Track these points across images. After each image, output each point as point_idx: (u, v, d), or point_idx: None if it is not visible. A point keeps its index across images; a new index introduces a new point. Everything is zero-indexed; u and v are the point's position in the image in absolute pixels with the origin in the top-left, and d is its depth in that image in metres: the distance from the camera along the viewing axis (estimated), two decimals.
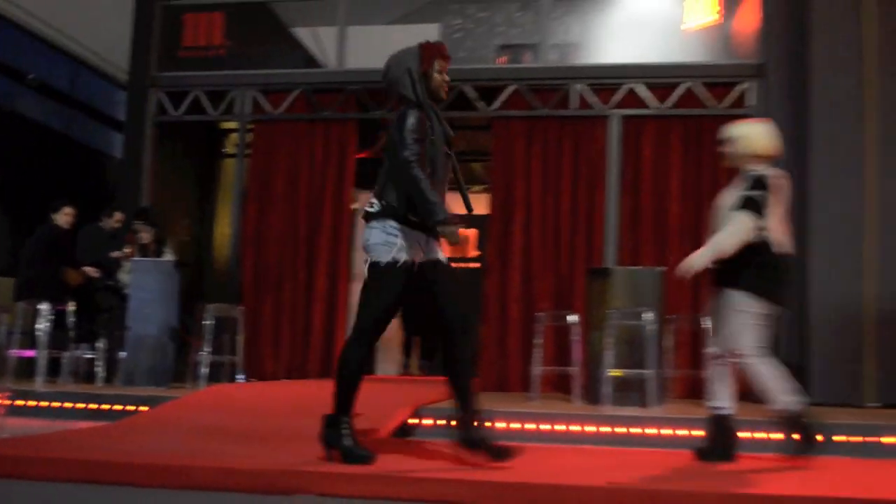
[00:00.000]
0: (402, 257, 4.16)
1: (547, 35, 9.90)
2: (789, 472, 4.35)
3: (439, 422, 6.04)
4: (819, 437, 4.64)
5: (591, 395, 7.31)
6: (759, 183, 4.71)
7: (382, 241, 4.16)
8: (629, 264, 8.68)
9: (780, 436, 4.79)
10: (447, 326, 4.23)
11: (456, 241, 4.11)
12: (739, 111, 8.95)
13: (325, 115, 9.77)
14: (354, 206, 10.59)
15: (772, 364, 4.67)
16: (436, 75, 4.42)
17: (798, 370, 8.30)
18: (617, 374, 7.06)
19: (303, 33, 10.41)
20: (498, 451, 4.15)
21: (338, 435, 4.22)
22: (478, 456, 4.15)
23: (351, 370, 4.26)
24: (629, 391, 7.04)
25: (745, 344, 4.61)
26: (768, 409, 4.69)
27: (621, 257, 8.95)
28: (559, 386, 8.48)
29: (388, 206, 4.20)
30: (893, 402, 8.07)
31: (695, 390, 8.07)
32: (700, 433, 5.74)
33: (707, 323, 7.27)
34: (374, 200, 4.25)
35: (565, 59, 10.56)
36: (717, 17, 10.09)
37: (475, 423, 4.22)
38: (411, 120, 4.22)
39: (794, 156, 8.79)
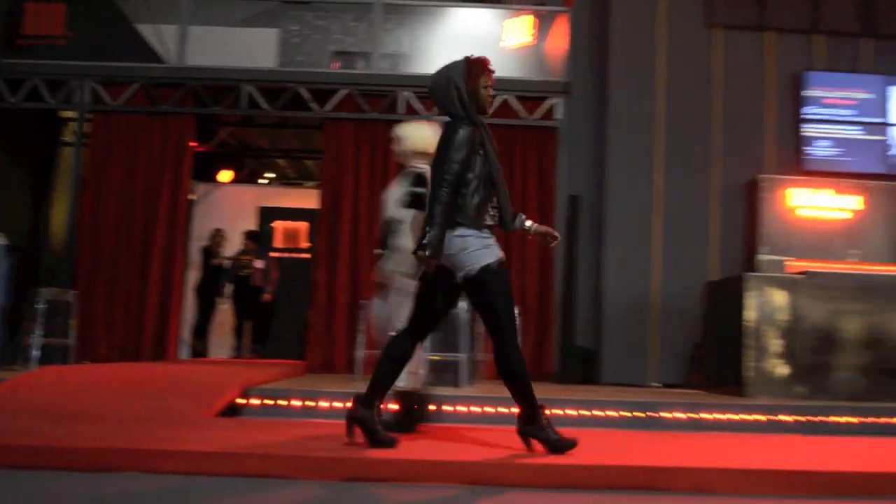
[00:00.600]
0: (502, 255, 3.95)
1: (378, 45, 9.85)
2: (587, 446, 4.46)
3: (266, 402, 5.91)
4: (432, 408, 4.69)
5: (409, 376, 7.31)
6: (421, 180, 4.73)
7: (482, 246, 3.89)
8: None
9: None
10: (431, 321, 4.13)
11: (429, 267, 3.87)
12: (548, 123, 9.22)
13: (163, 109, 9.38)
14: (192, 196, 10.23)
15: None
16: (482, 90, 4.09)
17: (594, 354, 8.65)
18: (433, 357, 7.10)
19: (146, 29, 9.97)
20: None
21: (538, 428, 3.97)
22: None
23: (523, 366, 4.05)
24: (444, 373, 7.09)
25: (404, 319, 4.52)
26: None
27: None
28: None
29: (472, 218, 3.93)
30: (671, 383, 8.50)
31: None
32: (505, 410, 5.86)
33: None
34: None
35: (395, 67, 10.55)
36: (531, 38, 10.32)
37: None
38: (461, 134, 3.91)
39: (594, 165, 9.13)
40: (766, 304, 6.98)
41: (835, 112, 9.10)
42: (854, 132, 9.12)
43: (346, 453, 3.74)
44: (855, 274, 7.44)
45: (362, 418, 4.00)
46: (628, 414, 6.00)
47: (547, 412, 4.03)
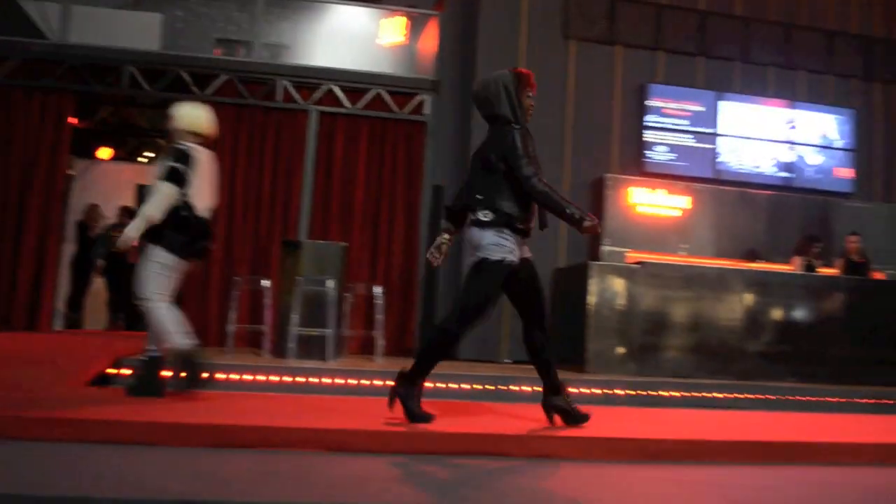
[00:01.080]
0: (511, 259, 4.07)
1: (260, 34, 9.63)
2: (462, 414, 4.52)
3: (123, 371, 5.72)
4: (205, 375, 4.75)
5: (279, 350, 7.24)
6: (182, 155, 4.75)
7: (495, 242, 4.04)
8: (319, 239, 8.68)
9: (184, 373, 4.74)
10: (531, 316, 4.23)
11: (596, 233, 4.12)
12: (418, 118, 9.24)
13: (43, 84, 8.87)
14: (70, 172, 9.75)
15: (170, 309, 4.75)
16: (526, 100, 4.17)
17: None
18: (302, 332, 7.05)
19: (29, 5, 9.39)
20: (575, 416, 4.17)
21: (410, 395, 4.06)
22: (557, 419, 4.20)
23: (444, 343, 4.06)
24: (311, 347, 7.04)
25: (150, 290, 4.66)
26: (165, 348, 4.74)
27: (312, 232, 8.93)
28: (252, 342, 8.33)
29: (503, 215, 4.04)
30: (521, 360, 8.70)
31: (366, 347, 8.24)
32: (367, 382, 5.88)
33: (379, 291, 7.47)
34: (487, 210, 4.04)
35: (275, 57, 10.35)
36: (403, 38, 10.32)
37: (560, 394, 4.26)
38: (518, 139, 3.99)
39: (458, 158, 9.22)
40: (607, 290, 7.26)
41: (672, 121, 9.52)
42: (687, 140, 9.56)
43: (207, 418, 3.67)
44: (683, 265, 7.82)
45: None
46: (480, 387, 6.14)
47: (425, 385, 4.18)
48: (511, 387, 6.16)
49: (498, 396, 6.05)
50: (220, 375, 5.83)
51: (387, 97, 9.23)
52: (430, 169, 9.24)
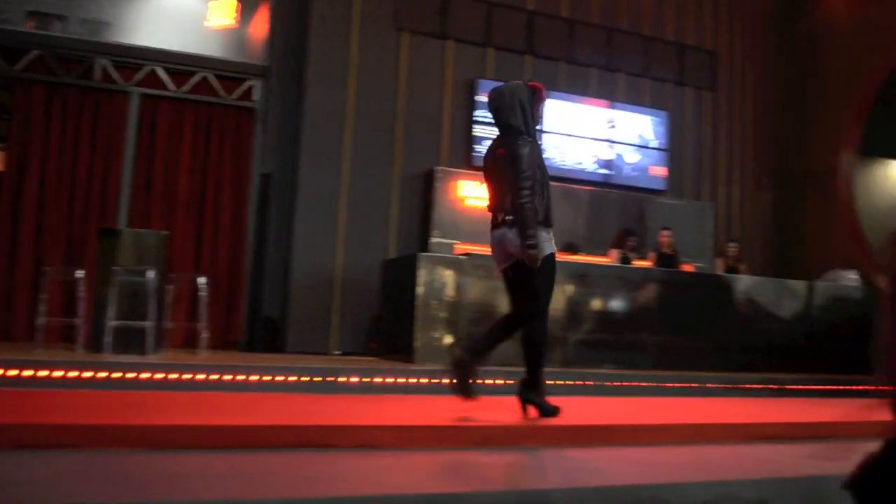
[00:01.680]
0: (554, 249, 4.37)
1: (78, 9, 9.03)
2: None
3: None
4: None
5: (94, 344, 6.84)
6: None
7: (546, 240, 4.29)
8: (139, 227, 8.27)
9: None
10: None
11: (534, 265, 4.23)
12: (247, 103, 9.00)
13: None
14: None
15: None
16: (537, 113, 4.43)
17: (280, 324, 8.60)
18: (119, 325, 6.69)
19: None
20: (549, 410, 4.37)
21: (536, 394, 4.38)
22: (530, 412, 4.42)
23: (544, 342, 4.41)
24: (130, 341, 6.70)
25: None
26: None
27: (132, 220, 8.50)
28: (64, 336, 7.81)
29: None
30: (351, 351, 8.68)
31: (190, 340, 7.95)
32: (188, 376, 5.67)
33: (203, 282, 7.22)
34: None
35: (94, 34, 9.74)
36: (233, 21, 10.00)
37: (535, 388, 4.43)
38: (526, 150, 4.21)
39: (288, 147, 9.06)
40: (435, 281, 7.34)
41: None
42: None
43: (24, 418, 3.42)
44: None
45: (532, 398, 4.41)
46: (307, 379, 6.05)
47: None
48: (340, 378, 6.11)
49: (326, 388, 5.98)
50: (27, 372, 5.45)
51: (214, 81, 8.92)
52: (259, 157, 9.01)
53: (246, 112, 9.03)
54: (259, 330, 8.54)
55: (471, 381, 4.34)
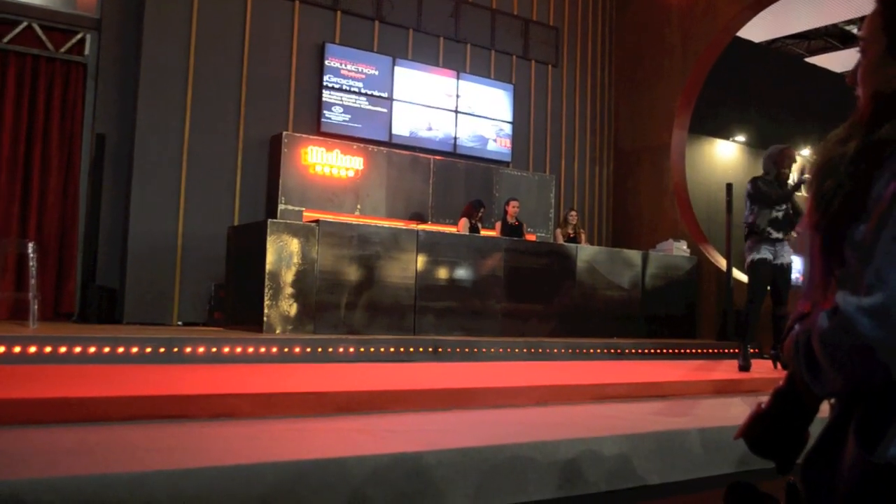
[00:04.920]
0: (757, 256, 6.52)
1: None
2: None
3: None
4: None
5: None
6: None
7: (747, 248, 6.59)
8: None
9: None
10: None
11: None
12: (77, 58, 8.39)
13: None
14: None
15: None
16: (782, 172, 6.65)
17: (117, 293, 8.13)
18: None
19: None
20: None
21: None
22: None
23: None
24: None
25: None
26: None
27: None
28: None
29: (749, 227, 6.58)
30: (194, 321, 8.34)
31: (17, 311, 7.38)
32: (19, 349, 5.26)
33: (30, 248, 6.69)
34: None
35: None
36: None
37: None
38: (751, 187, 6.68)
39: (124, 106, 8.53)
40: (284, 248, 7.14)
41: (349, 83, 9.59)
42: (363, 103, 9.71)
43: None
44: (358, 225, 7.93)
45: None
46: (150, 350, 5.74)
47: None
48: (186, 349, 5.84)
49: (170, 359, 5.70)
50: None
51: (41, 33, 8.24)
52: (92, 115, 8.43)
53: (76, 67, 8.41)
54: (93, 300, 8.02)
55: None
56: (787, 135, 16.06)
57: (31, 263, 6.79)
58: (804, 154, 17.35)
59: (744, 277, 10.31)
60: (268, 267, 7.02)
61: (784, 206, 6.58)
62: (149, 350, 5.69)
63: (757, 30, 14.36)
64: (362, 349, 6.58)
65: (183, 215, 8.48)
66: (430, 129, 10.28)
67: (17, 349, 5.29)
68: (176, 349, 5.82)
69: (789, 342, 1.23)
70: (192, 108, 8.61)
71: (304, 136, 9.13)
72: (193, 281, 8.44)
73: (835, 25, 15.35)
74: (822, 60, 16.84)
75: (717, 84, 12.75)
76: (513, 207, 9.49)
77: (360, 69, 9.70)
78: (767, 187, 6.56)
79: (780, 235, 6.56)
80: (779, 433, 1.38)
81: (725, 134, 17.39)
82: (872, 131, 1.15)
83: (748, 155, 17.76)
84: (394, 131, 9.92)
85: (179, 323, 8.32)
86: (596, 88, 12.12)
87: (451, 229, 9.26)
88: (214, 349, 5.90)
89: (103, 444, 2.79)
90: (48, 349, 5.25)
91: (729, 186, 9.02)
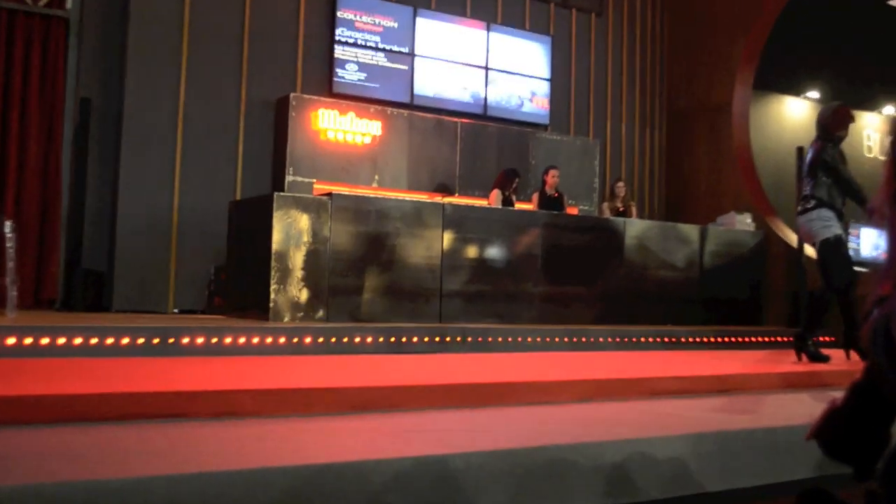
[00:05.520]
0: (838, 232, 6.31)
1: None
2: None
3: None
4: None
5: None
6: None
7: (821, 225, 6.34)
8: None
9: None
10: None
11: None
12: (57, 12, 8.45)
13: None
14: None
15: None
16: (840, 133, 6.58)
17: (105, 278, 8.22)
18: None
19: None
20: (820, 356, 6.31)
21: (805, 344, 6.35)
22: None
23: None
24: None
25: None
26: None
27: None
28: None
29: (820, 200, 6.36)
30: (192, 309, 8.42)
31: None
32: None
33: (8, 227, 6.77)
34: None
35: None
36: None
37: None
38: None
39: (111, 67, 8.58)
40: (293, 226, 7.17)
41: (364, 37, 9.58)
42: (380, 59, 9.69)
43: None
44: (376, 198, 7.94)
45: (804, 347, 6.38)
46: (143, 341, 5.80)
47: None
48: (183, 339, 5.89)
49: (165, 351, 5.76)
50: None
51: None
52: (75, 77, 8.49)
53: (56, 22, 8.46)
54: (79, 285, 8.11)
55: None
56: (868, 91, 15.82)
57: (8, 245, 6.86)
58: (888, 113, 17.10)
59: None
60: (274, 247, 7.05)
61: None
62: (141, 341, 5.75)
63: None
64: (381, 339, 6.61)
65: (178, 189, 8.54)
66: (456, 88, 10.24)
67: None
68: (172, 340, 5.87)
69: (867, 329, 1.22)
70: (187, 67, 8.64)
71: (314, 97, 9.14)
72: (191, 263, 8.51)
73: None
74: None
75: (786, 33, 12.56)
76: (552, 177, 9.44)
77: (377, 21, 9.68)
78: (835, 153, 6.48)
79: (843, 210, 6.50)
80: (856, 434, 1.36)
81: (796, 90, 17.14)
82: None
83: None
84: (416, 91, 9.91)
85: (175, 310, 8.40)
86: (646, 41, 11.99)
87: (482, 202, 9.25)
88: (215, 340, 5.95)
89: (92, 447, 2.83)
90: (28, 340, 5.32)
91: (800, 150, 8.92)
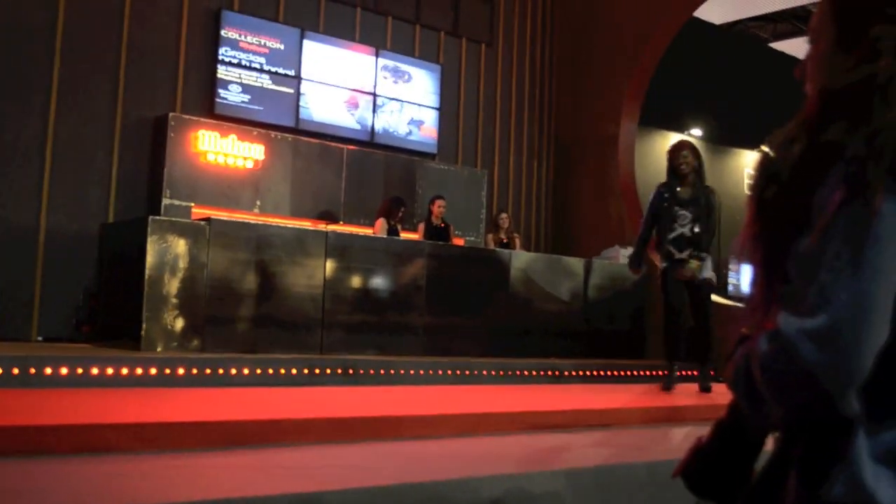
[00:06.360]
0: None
1: None
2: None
3: None
4: None
5: None
6: None
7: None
8: None
9: None
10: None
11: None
12: None
13: None
14: None
15: None
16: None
17: None
18: None
19: None
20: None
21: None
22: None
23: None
24: None
25: None
26: None
27: None
28: None
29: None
30: (58, 336, 8.12)
31: None
32: None
33: None
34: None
35: None
36: None
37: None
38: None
39: None
40: (168, 251, 7.02)
41: (249, 57, 9.50)
42: (265, 81, 9.62)
43: None
44: (257, 224, 7.86)
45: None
46: (1, 371, 5.58)
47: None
48: (46, 369, 5.69)
49: (26, 382, 5.55)
50: None
51: None
52: None
53: None
54: None
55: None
56: (748, 130, 16.54)
57: None
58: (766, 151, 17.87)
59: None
60: (148, 272, 6.89)
61: (687, 221, 6.89)
62: None
63: (717, 10, 14.74)
64: (259, 370, 6.52)
65: (46, 210, 8.25)
66: (343, 113, 10.25)
67: None
68: (33, 370, 5.66)
69: (730, 368, 1.27)
70: (58, 81, 8.38)
71: (194, 118, 9.00)
72: (58, 288, 8.22)
73: (803, 7, 15.85)
74: (789, 46, 17.37)
75: (671, 71, 13.05)
76: (438, 207, 9.53)
77: (262, 42, 9.61)
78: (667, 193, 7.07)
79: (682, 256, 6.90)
80: (721, 470, 1.42)
81: (680, 127, 17.84)
82: (819, 133, 1.19)
83: (705, 151, 18.19)
84: (301, 116, 9.87)
85: (39, 338, 8.10)
86: (535, 72, 12.27)
87: (367, 231, 9.25)
88: (81, 370, 5.76)
89: None
90: None
91: None
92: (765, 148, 1.29)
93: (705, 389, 6.82)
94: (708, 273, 6.92)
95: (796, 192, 1.18)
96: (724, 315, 7.70)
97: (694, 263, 6.86)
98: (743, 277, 12.72)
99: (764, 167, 1.27)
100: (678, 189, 6.97)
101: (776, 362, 1.12)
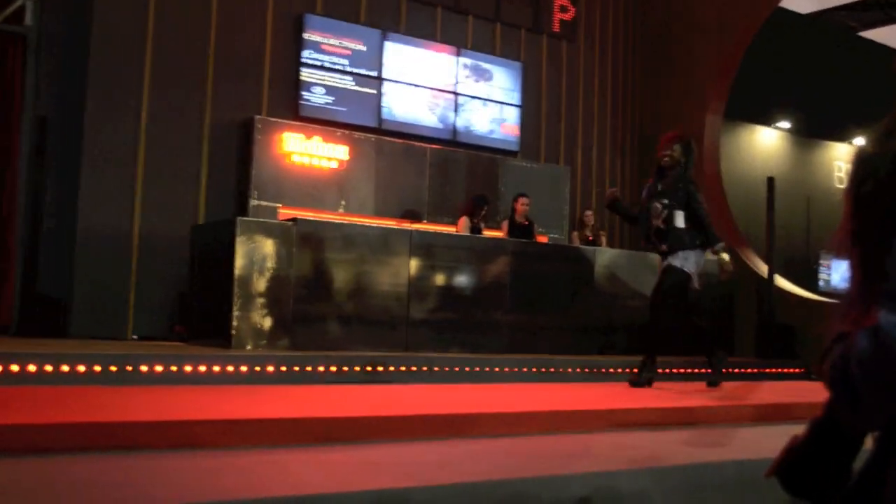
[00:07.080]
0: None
1: None
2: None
3: None
4: None
5: None
6: None
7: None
8: None
9: None
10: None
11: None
12: (15, 28, 8.41)
13: None
14: None
15: None
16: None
17: (62, 303, 8.15)
18: None
19: None
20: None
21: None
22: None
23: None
24: None
25: None
26: None
27: None
28: None
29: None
30: (153, 335, 8.34)
31: None
32: None
33: None
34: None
35: None
36: None
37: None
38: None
39: (72, 86, 8.54)
40: (256, 251, 7.15)
41: (332, 60, 9.61)
42: (348, 82, 9.72)
43: None
44: (342, 224, 7.95)
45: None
46: (100, 369, 5.76)
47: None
48: (141, 367, 5.85)
49: (123, 379, 5.72)
50: None
51: None
52: (34, 95, 8.44)
53: (14, 39, 8.42)
54: (35, 310, 8.04)
55: None
56: (838, 122, 16.10)
57: None
58: (858, 143, 17.40)
59: (788, 286, 10.31)
60: (237, 272, 7.02)
61: (658, 213, 6.55)
62: (98, 369, 5.70)
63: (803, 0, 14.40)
64: (346, 368, 6.59)
65: (140, 212, 8.49)
66: (425, 113, 10.30)
67: None
68: (130, 368, 5.82)
69: (826, 366, 1.24)
70: (150, 87, 8.62)
71: (279, 121, 9.15)
72: (152, 289, 8.45)
73: None
74: (878, 35, 16.84)
75: (758, 63, 12.77)
76: (522, 205, 9.50)
77: (344, 44, 9.72)
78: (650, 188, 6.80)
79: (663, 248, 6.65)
80: (817, 470, 1.38)
81: (767, 120, 17.44)
82: None
83: (793, 144, 17.80)
84: (384, 116, 9.95)
85: (135, 337, 8.33)
86: (618, 68, 12.14)
87: (450, 229, 9.28)
88: (175, 368, 5.90)
89: (41, 480, 2.80)
90: None
91: (770, 181, 9.04)
92: (862, 141, 1.26)
93: (712, 384, 6.68)
94: (690, 266, 6.59)
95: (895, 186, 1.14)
96: (816, 311, 7.45)
97: (725, 257, 6.76)
98: (835, 273, 12.40)
99: (861, 161, 1.23)
100: (659, 184, 6.65)
101: (876, 360, 1.09)
